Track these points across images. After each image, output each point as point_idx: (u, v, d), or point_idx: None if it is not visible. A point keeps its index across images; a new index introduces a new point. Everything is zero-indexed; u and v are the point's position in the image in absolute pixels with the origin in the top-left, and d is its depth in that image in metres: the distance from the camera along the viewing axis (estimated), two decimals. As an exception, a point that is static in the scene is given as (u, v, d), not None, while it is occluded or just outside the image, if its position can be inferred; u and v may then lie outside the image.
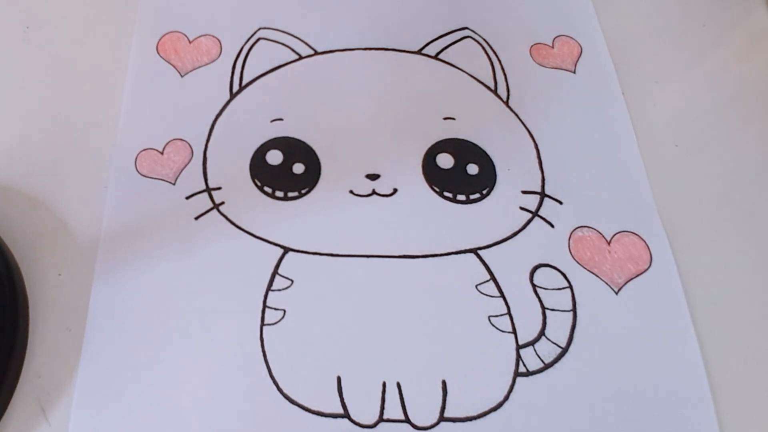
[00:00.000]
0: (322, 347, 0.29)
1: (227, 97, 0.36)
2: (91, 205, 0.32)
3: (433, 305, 0.30)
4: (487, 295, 0.31)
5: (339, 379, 0.29)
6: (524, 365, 0.29)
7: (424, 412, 0.28)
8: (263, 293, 0.30)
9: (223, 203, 0.33)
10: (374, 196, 0.33)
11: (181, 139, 0.35)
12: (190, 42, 0.38)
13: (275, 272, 0.31)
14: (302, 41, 0.38)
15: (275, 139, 0.35)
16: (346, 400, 0.28)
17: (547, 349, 0.30)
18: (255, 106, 0.36)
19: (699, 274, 0.32)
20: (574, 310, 0.31)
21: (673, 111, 0.37)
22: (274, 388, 0.28)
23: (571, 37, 0.40)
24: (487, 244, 0.32)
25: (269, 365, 0.29)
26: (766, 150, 0.36)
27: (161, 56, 0.38)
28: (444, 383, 0.29)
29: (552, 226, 0.33)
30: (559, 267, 0.32)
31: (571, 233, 0.33)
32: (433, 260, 0.32)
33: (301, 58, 0.38)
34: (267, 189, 0.33)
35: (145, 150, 0.34)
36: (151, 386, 0.28)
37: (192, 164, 0.34)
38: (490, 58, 0.38)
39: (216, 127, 0.35)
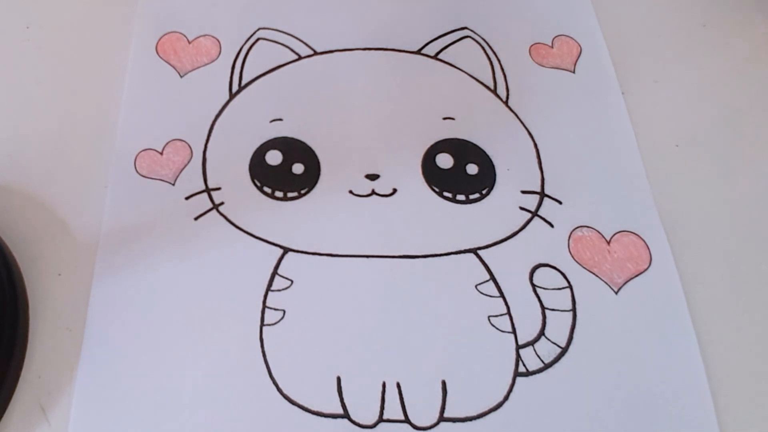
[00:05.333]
0: (322, 347, 0.29)
1: (227, 97, 0.36)
2: (91, 206, 0.32)
3: (433, 305, 0.30)
4: (486, 295, 0.31)
5: (339, 380, 0.29)
6: (524, 365, 0.29)
7: (423, 412, 0.28)
8: (263, 293, 0.30)
9: (222, 203, 0.33)
10: (374, 196, 0.33)
11: (181, 140, 0.35)
12: (189, 42, 0.38)
13: (275, 272, 0.31)
14: (301, 41, 0.38)
15: (275, 139, 0.35)
16: (345, 401, 0.28)
17: (546, 349, 0.30)
18: (254, 106, 0.36)
19: (699, 273, 0.32)
20: (573, 310, 0.31)
21: (673, 111, 0.37)
22: (274, 388, 0.28)
23: (571, 37, 0.40)
24: (487, 244, 0.32)
25: (269, 365, 0.29)
26: (765, 149, 0.36)
27: (160, 57, 0.38)
28: (444, 383, 0.29)
29: (552, 225, 0.33)
30: (558, 267, 0.32)
31: (571, 233, 0.33)
32: (432, 260, 0.32)
33: (300, 58, 0.38)
34: (266, 189, 0.33)
35: (144, 150, 0.34)
36: (151, 386, 0.28)
37: (191, 164, 0.34)
38: (489, 58, 0.38)
39: (215, 127, 0.35)
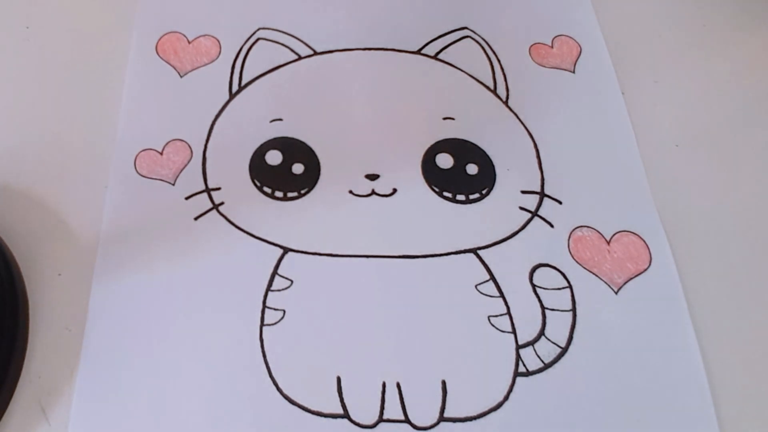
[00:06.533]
0: (322, 347, 0.29)
1: (226, 97, 0.36)
2: (91, 206, 0.32)
3: (433, 305, 0.30)
4: (486, 295, 0.31)
5: (339, 380, 0.29)
6: (524, 365, 0.29)
7: (423, 412, 0.28)
8: (263, 293, 0.30)
9: (222, 203, 0.33)
10: (374, 196, 0.33)
11: (181, 140, 0.35)
12: (189, 42, 0.38)
13: (275, 272, 0.31)
14: (301, 41, 0.38)
15: (275, 139, 0.35)
16: (345, 401, 0.28)
17: (546, 349, 0.30)
18: (254, 106, 0.36)
19: (698, 273, 0.32)
20: (573, 310, 0.31)
21: (673, 111, 0.37)
22: (274, 388, 0.28)
23: (571, 37, 0.40)
24: (487, 244, 0.32)
25: (269, 365, 0.29)
26: (765, 149, 0.36)
27: (160, 56, 0.38)
28: (444, 383, 0.29)
29: (551, 226, 0.33)
30: (558, 267, 0.32)
31: (571, 233, 0.33)
32: (432, 260, 0.32)
33: (300, 58, 0.38)
34: (266, 189, 0.33)
35: (144, 150, 0.34)
36: (151, 386, 0.28)
37: (191, 164, 0.34)
38: (489, 58, 0.38)
39: (215, 127, 0.35)
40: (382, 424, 0.28)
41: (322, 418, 0.28)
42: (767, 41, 0.40)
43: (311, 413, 0.28)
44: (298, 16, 0.39)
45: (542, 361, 0.29)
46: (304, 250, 0.32)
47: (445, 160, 0.35)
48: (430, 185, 0.34)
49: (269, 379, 0.29)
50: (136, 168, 0.34)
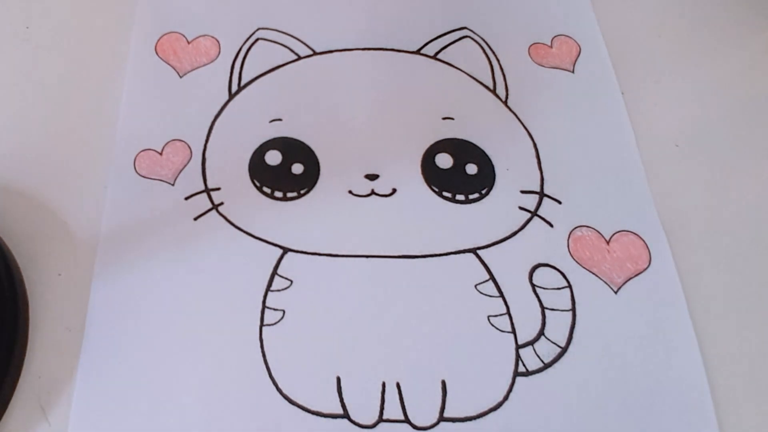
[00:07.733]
0: (322, 347, 0.29)
1: (226, 97, 0.36)
2: (90, 206, 0.32)
3: (433, 305, 0.30)
4: (486, 295, 0.31)
5: (338, 380, 0.29)
6: (524, 365, 0.29)
7: (423, 412, 0.28)
8: (262, 294, 0.30)
9: (222, 204, 0.33)
10: (373, 196, 0.33)
11: (180, 140, 0.35)
12: (188, 42, 0.38)
13: (274, 273, 0.31)
14: (301, 41, 0.38)
15: (274, 139, 0.35)
16: (345, 401, 0.28)
17: (546, 349, 0.30)
18: (254, 106, 0.36)
19: (698, 273, 0.32)
20: (573, 309, 0.31)
21: (672, 111, 0.37)
22: (274, 388, 0.28)
23: (570, 37, 0.40)
24: (487, 244, 0.32)
25: (269, 366, 0.29)
26: (765, 149, 0.36)
27: (160, 57, 0.38)
28: (443, 383, 0.29)
29: (551, 225, 0.33)
30: (558, 267, 0.32)
31: (570, 233, 0.33)
32: (432, 260, 0.32)
33: (299, 58, 0.38)
34: (266, 189, 0.33)
35: (144, 151, 0.34)
36: (151, 386, 0.28)
37: (191, 165, 0.34)
38: (488, 58, 0.38)
39: (215, 127, 0.35)
40: (381, 424, 0.28)
41: (322, 418, 0.28)
42: (767, 41, 0.40)
43: (311, 413, 0.28)
44: (297, 16, 0.39)
45: (542, 361, 0.29)
46: (303, 250, 0.32)
47: (444, 160, 0.35)
48: (429, 185, 0.34)
49: (269, 379, 0.29)
50: (135, 168, 0.34)
